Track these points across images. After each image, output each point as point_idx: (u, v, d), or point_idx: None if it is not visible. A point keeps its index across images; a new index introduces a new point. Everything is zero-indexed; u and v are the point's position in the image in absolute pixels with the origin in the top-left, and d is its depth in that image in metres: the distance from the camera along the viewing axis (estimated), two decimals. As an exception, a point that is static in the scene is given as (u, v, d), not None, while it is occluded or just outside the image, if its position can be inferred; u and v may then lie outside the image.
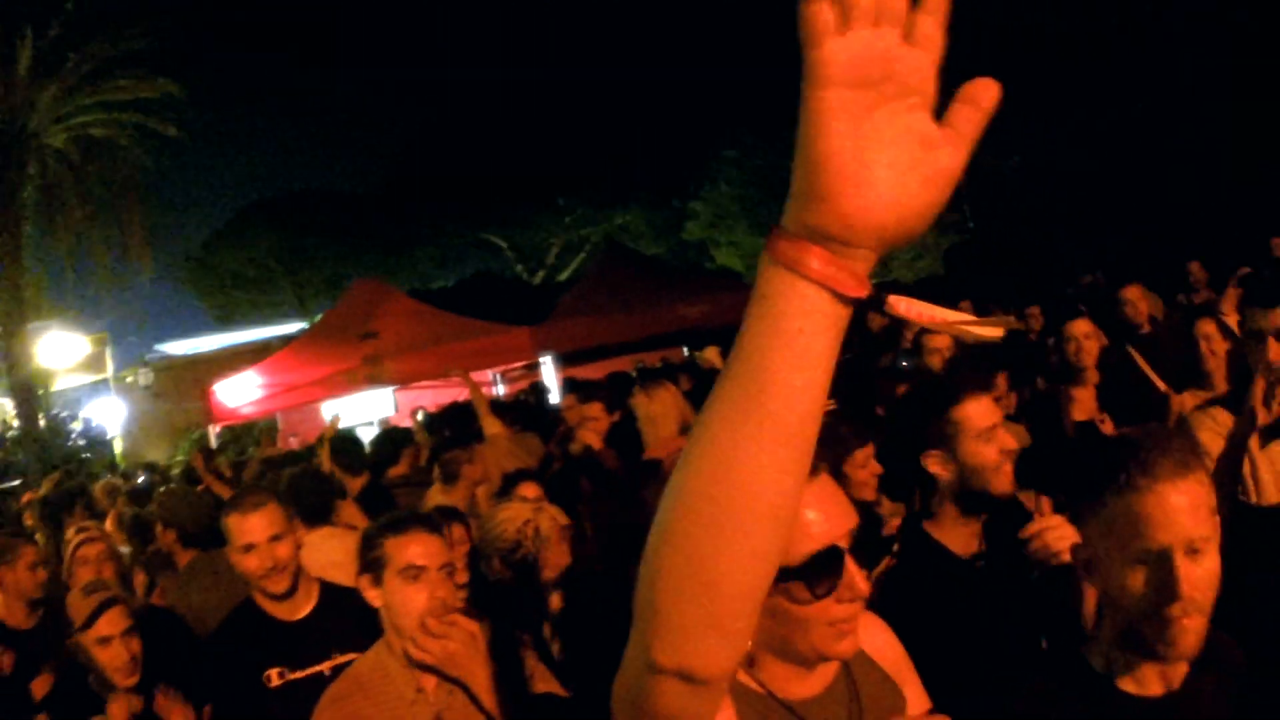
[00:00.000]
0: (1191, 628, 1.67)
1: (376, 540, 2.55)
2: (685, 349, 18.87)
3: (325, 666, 3.17)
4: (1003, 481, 2.56)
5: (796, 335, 0.92)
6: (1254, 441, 3.41)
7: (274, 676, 3.16)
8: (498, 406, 8.43)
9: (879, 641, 1.83)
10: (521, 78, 33.62)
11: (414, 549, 2.50)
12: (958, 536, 2.61)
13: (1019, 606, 2.44)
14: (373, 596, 2.55)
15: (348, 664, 3.01)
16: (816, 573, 1.48)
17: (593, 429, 5.34)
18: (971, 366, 5.26)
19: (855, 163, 0.86)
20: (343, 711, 2.53)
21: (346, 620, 3.04)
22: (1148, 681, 1.78)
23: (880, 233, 0.89)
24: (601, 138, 32.55)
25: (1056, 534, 2.36)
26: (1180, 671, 1.77)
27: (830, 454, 3.62)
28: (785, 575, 1.46)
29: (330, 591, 3.35)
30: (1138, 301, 6.16)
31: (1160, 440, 1.73)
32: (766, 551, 1.00)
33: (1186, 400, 4.46)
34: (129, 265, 23.43)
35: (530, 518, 3.13)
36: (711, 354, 10.61)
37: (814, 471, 1.49)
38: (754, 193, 29.17)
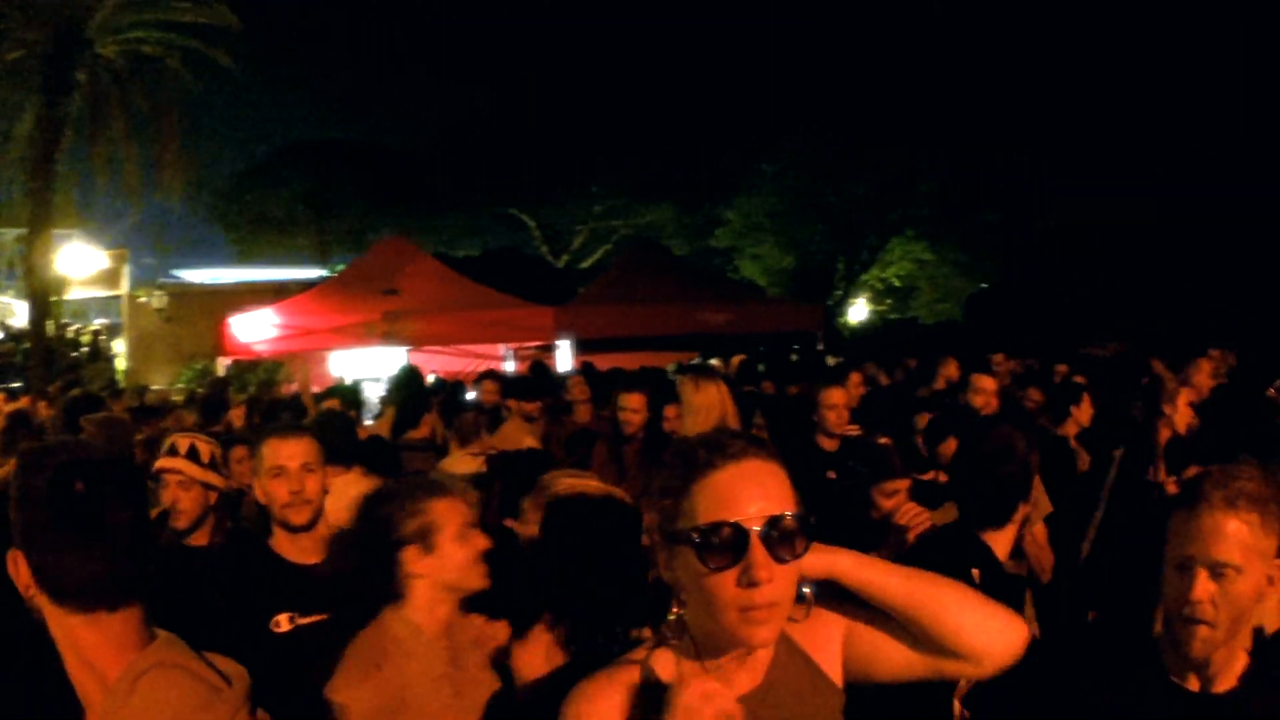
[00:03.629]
0: (1200, 636, 1.97)
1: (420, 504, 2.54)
2: (698, 354, 18.79)
3: (332, 614, 3.06)
4: None
5: None
6: None
7: (284, 621, 3.06)
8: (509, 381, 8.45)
9: (822, 638, 1.73)
10: (569, 61, 33.40)
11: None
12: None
13: None
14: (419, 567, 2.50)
15: (352, 612, 2.96)
16: (709, 542, 1.49)
17: (632, 420, 5.27)
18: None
19: None
20: (377, 685, 2.34)
21: (356, 569, 2.96)
22: (1183, 674, 2.07)
23: None
24: (642, 132, 32.44)
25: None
26: (1208, 674, 2.04)
27: (871, 474, 3.69)
28: (681, 537, 1.53)
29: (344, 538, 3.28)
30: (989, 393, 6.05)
31: (1228, 477, 2.01)
32: None
33: None
34: (159, 187, 23.40)
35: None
36: (736, 364, 10.57)
37: (742, 455, 1.54)
38: (786, 209, 29.25)
